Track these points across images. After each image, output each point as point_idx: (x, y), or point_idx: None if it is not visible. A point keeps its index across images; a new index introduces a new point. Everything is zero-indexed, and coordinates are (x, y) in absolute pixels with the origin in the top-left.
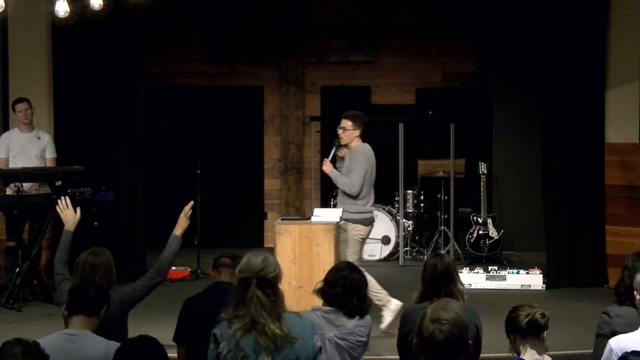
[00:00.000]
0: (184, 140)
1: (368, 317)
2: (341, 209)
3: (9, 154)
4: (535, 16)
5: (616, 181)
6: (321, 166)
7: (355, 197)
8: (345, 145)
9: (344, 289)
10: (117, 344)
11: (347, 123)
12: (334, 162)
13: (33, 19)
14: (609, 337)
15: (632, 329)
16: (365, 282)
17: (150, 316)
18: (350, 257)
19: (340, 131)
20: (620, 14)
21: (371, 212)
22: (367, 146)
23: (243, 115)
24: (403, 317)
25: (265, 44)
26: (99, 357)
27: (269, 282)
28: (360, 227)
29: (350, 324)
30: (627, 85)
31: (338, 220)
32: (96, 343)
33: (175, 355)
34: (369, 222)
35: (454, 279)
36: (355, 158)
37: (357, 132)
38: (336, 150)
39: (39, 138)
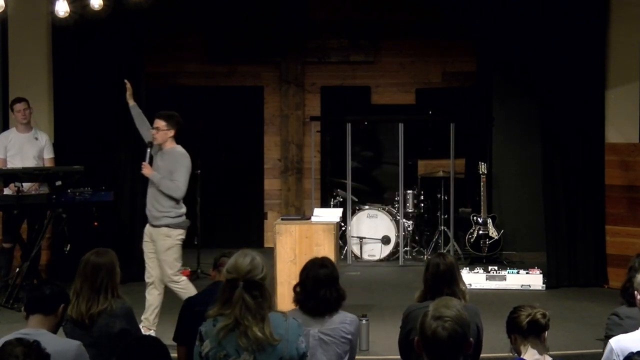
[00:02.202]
0: (184, 140)
1: (354, 316)
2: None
3: (6, 154)
4: (535, 16)
5: (616, 181)
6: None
7: (177, 201)
8: (159, 146)
9: (316, 286)
10: (78, 343)
11: (160, 123)
12: (150, 163)
13: (33, 19)
14: None
15: None
16: (336, 275)
17: None
18: (178, 262)
19: (154, 131)
20: (620, 14)
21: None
22: (182, 148)
23: (243, 115)
24: (405, 316)
25: (265, 44)
26: (54, 356)
27: (256, 284)
28: (180, 231)
29: (336, 319)
30: (627, 85)
31: (338, 220)
32: (52, 342)
33: (176, 354)
34: (186, 225)
35: (456, 279)
36: (177, 160)
37: (171, 133)
38: (151, 152)
39: (36, 138)
